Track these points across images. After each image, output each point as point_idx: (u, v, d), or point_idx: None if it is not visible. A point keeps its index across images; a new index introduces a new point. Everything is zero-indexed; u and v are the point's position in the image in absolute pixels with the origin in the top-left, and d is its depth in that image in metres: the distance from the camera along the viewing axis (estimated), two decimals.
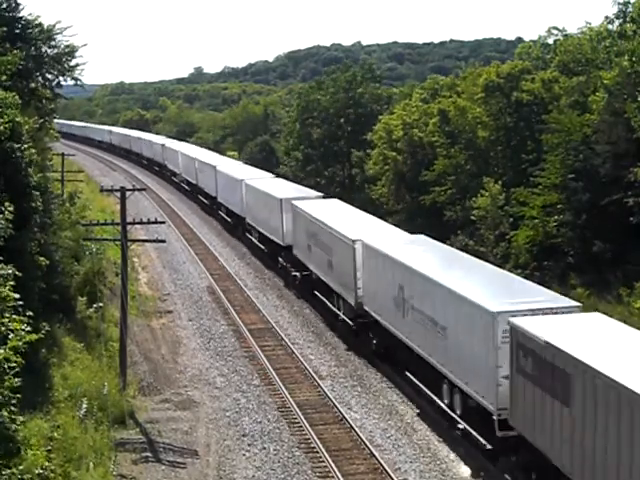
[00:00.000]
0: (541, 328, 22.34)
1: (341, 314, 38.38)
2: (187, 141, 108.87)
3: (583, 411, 20.05)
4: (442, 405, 28.26)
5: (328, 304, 40.20)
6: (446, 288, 27.38)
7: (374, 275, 34.19)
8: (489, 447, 25.14)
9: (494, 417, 24.31)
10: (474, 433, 25.90)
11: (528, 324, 22.90)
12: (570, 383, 20.43)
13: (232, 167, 67.46)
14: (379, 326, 33.85)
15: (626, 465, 18.43)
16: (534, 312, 23.95)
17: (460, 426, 27.07)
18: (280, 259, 49.01)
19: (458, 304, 26.47)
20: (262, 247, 53.54)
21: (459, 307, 26.43)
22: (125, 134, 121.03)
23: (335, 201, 48.21)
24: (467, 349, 25.98)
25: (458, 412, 27.25)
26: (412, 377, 30.73)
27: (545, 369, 21.61)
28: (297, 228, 45.74)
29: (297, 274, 45.25)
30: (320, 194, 50.88)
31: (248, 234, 57.49)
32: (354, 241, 36.15)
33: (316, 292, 42.36)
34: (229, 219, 63.51)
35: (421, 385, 29.95)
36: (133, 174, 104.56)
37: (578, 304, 25.47)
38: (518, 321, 23.24)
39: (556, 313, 24.02)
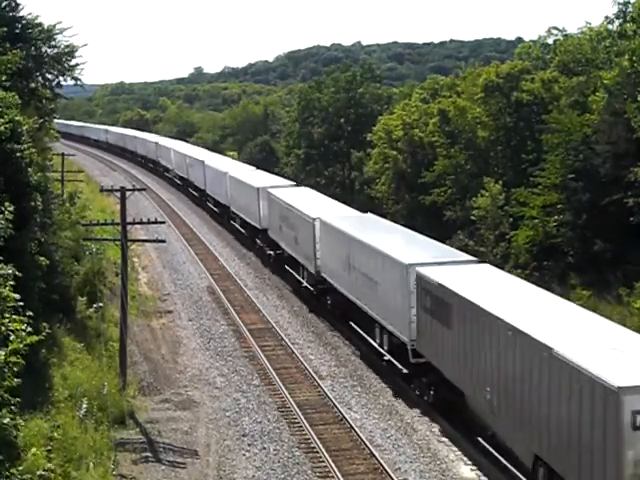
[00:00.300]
0: (437, 275, 28.88)
1: (304, 282, 44.82)
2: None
3: (458, 330, 26.90)
4: (374, 344, 35.09)
5: (295, 274, 46.73)
6: (376, 249, 34.32)
7: (329, 247, 40.82)
8: (405, 371, 31.70)
9: (408, 347, 30.86)
10: (395, 362, 32.37)
11: (429, 272, 29.35)
12: (451, 311, 27.19)
13: (218, 162, 72.94)
14: (333, 289, 40.36)
15: (486, 364, 24.94)
16: (436, 264, 30.40)
17: (385, 358, 33.72)
18: (258, 240, 55.30)
19: (384, 261, 33.21)
20: (243, 231, 59.80)
21: (385, 263, 33.12)
22: (120, 133, 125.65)
23: (304, 189, 54.48)
24: (391, 297, 32.61)
25: (386, 348, 33.64)
26: (354, 325, 38.04)
27: (437, 304, 28.36)
28: (271, 213, 51.58)
29: (271, 252, 51.94)
30: (293, 183, 57.60)
31: (232, 221, 63.18)
32: (314, 219, 42.50)
33: (286, 266, 48.44)
34: (216, 209, 69.08)
35: (360, 331, 37.24)
36: (133, 174, 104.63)
37: (473, 258, 32.72)
38: (422, 270, 29.75)
39: (453, 264, 30.48)
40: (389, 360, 33.15)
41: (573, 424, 19.99)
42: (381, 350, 34.06)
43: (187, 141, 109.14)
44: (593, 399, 19.19)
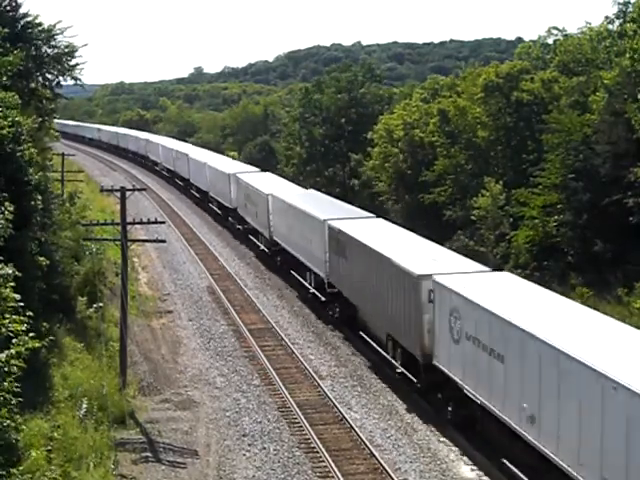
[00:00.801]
0: (339, 225, 39.40)
1: (262, 246, 55.16)
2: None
3: (351, 260, 37.27)
4: (305, 283, 45.34)
5: (255, 240, 57.35)
6: (305, 212, 44.84)
7: (279, 216, 50.78)
8: (323, 299, 41.88)
9: (325, 281, 41.46)
10: (317, 293, 42.91)
11: (335, 224, 40.01)
12: (346, 248, 37.78)
13: (200, 154, 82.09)
14: (282, 249, 49.94)
15: (363, 282, 35.91)
16: (340, 219, 40.85)
17: (311, 291, 43.98)
18: (230, 218, 65.23)
19: (312, 221, 43.36)
20: (219, 212, 69.45)
21: (312, 222, 43.34)
22: (112, 131, 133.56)
23: (267, 173, 64.71)
24: (314, 246, 42.90)
25: (312, 285, 44.07)
26: (294, 273, 47.43)
27: (338, 245, 38.88)
28: (239, 194, 61.55)
29: (240, 227, 61.85)
30: (257, 169, 67.55)
31: (210, 204, 72.83)
32: (267, 194, 52.71)
33: (250, 236, 58.78)
34: (198, 195, 78.67)
35: (295, 274, 47.26)
36: (133, 174, 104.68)
37: (369, 214, 43.13)
38: (332, 223, 40.42)
39: (351, 219, 40.97)
40: (314, 293, 43.52)
41: (400, 307, 31.40)
42: (309, 286, 44.70)
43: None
44: (407, 284, 30.43)
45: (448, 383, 27.70)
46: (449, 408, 28.38)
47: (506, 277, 29.66)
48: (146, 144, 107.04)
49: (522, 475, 23.14)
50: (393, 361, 32.79)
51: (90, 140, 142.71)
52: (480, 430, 26.48)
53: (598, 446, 19.42)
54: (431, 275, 28.85)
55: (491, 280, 28.53)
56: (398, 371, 32.19)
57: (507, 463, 23.97)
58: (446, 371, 27.85)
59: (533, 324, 22.80)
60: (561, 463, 20.82)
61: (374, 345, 35.28)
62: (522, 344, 22.77)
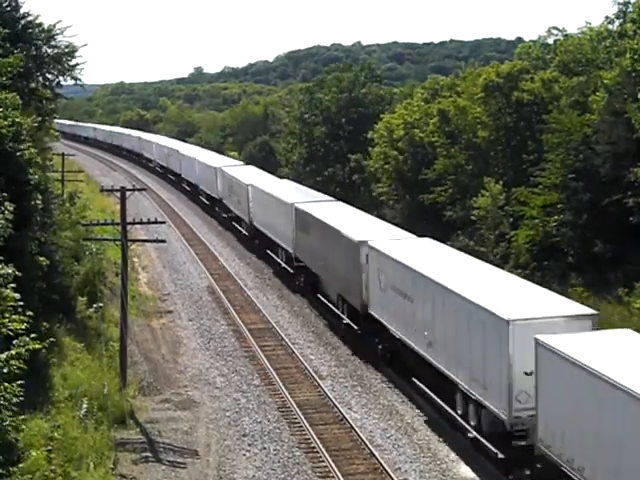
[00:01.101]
0: (305, 207, 45.66)
1: (244, 230, 61.19)
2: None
3: (312, 236, 43.71)
4: (278, 260, 51.61)
5: (238, 227, 63.06)
6: (277, 198, 51.45)
7: (257, 203, 57.15)
8: (291, 272, 48.22)
9: (292, 255, 47.67)
10: (287, 267, 49.44)
11: (301, 206, 46.23)
12: (309, 226, 44.22)
13: (190, 150, 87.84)
14: (260, 232, 56.03)
15: (321, 252, 42.35)
16: (306, 202, 47.23)
17: (282, 266, 50.74)
18: (217, 208, 71.13)
19: (285, 206, 48.98)
20: (207, 202, 75.27)
21: (283, 205, 49.40)
22: (107, 130, 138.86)
23: (249, 167, 70.92)
24: (284, 227, 49.10)
25: (284, 260, 50.13)
26: (270, 252, 53.76)
27: (303, 223, 45.28)
28: (224, 185, 67.42)
29: (225, 215, 67.89)
30: (241, 163, 75.84)
31: (200, 196, 78.39)
32: (247, 185, 59.00)
33: (234, 223, 64.56)
34: (189, 188, 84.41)
35: (270, 252, 53.70)
36: (133, 174, 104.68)
37: (330, 198, 50.28)
38: (298, 205, 46.71)
39: (315, 202, 47.31)
40: (284, 267, 49.97)
41: (346, 270, 37.89)
42: (280, 261, 51.17)
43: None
44: (351, 250, 37.09)
45: (380, 327, 34.40)
46: (379, 347, 34.89)
47: (427, 242, 36.09)
48: (139, 142, 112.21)
49: (426, 389, 30.22)
50: (341, 315, 39.29)
51: (86, 139, 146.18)
52: (401, 360, 33.23)
53: (468, 355, 26.44)
54: (367, 241, 35.95)
55: (413, 244, 35.63)
56: (344, 322, 38.77)
57: (416, 381, 31.09)
58: (377, 317, 34.61)
59: (433, 272, 29.67)
60: (447, 372, 28.12)
61: (329, 304, 41.52)
62: (424, 287, 29.71)
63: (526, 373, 23.18)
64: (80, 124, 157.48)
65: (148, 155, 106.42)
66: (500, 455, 24.71)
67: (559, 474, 21.18)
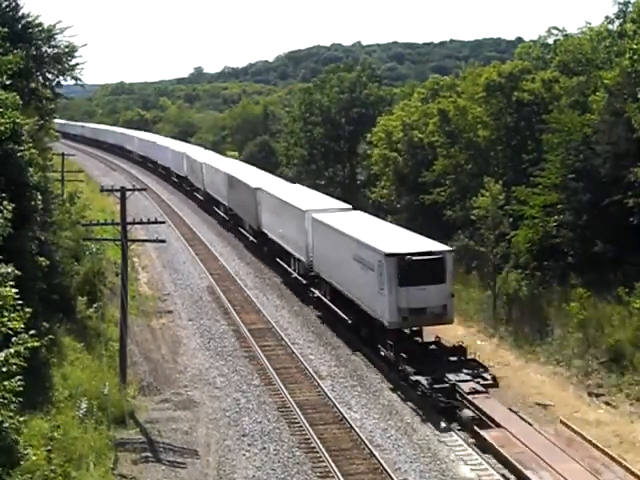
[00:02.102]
0: (266, 187, 55.27)
1: (222, 213, 69.95)
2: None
3: (263, 208, 54.60)
4: (247, 234, 60.19)
5: (218, 211, 71.65)
6: (245, 183, 59.69)
7: (209, 176, 72.71)
8: (253, 239, 58.30)
9: (256, 229, 56.81)
10: (253, 239, 58.43)
11: (263, 187, 55.32)
12: (255, 196, 55.22)
13: (164, 141, 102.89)
14: (235, 214, 64.54)
15: (286, 225, 49.32)
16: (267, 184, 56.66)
17: (250, 240, 59.15)
18: (183, 184, 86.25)
19: (253, 190, 56.43)
20: (176, 180, 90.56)
21: (253, 191, 56.55)
22: (93, 127, 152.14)
23: (208, 151, 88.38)
24: (250, 206, 57.61)
25: (252, 234, 58.40)
26: (241, 229, 61.95)
27: (267, 203, 54.06)
28: (188, 166, 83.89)
29: (188, 188, 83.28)
30: (202, 149, 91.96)
31: (172, 177, 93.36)
32: (201, 163, 75.95)
33: (214, 207, 73.18)
34: (164, 171, 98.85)
35: (242, 230, 61.77)
36: (133, 174, 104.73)
37: (288, 184, 59.85)
38: (260, 186, 55.47)
39: (336, 212, 46.69)
40: (252, 241, 58.32)
41: (297, 235, 46.31)
42: (249, 236, 59.24)
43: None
44: (299, 218, 46.18)
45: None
46: (314, 291, 44.29)
47: (357, 213, 45.08)
48: (122, 137, 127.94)
49: (282, 262, 50.52)
50: (293, 272, 48.08)
51: (74, 136, 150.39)
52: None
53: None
54: (310, 210, 45.00)
55: (344, 214, 44.04)
56: (293, 276, 48.22)
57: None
58: (316, 270, 43.76)
59: (344, 228, 39.72)
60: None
61: (284, 265, 50.46)
62: (336, 238, 40.00)
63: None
64: (70, 123, 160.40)
65: (129, 147, 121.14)
66: (304, 281, 45.95)
67: (325, 283, 42.44)
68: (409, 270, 32.98)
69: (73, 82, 44.70)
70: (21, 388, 18.17)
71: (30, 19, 42.32)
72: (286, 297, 47.51)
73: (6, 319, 18.50)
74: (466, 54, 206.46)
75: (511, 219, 45.11)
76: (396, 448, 28.11)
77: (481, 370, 31.95)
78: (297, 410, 31.10)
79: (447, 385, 30.55)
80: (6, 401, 17.71)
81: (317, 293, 43.48)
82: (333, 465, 26.60)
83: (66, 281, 37.04)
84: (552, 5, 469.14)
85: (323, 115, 76.14)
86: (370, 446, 27.83)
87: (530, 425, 28.51)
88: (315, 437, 28.68)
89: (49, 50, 42.83)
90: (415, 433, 29.28)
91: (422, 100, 63.07)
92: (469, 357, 32.98)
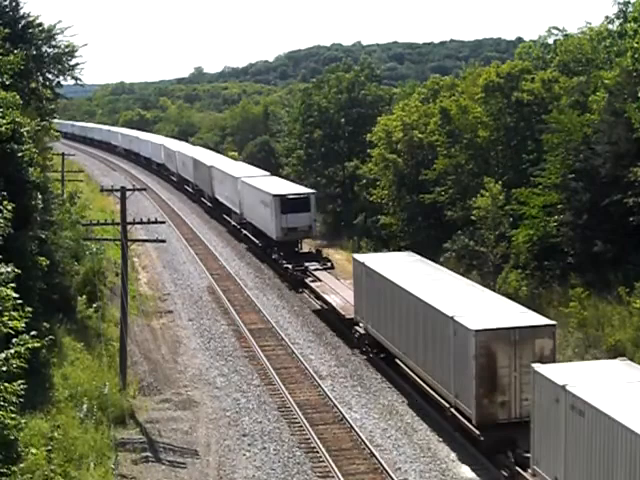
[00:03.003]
0: (248, 180, 60.06)
1: (190, 189, 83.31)
2: (187, 141, 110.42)
3: (247, 202, 59.71)
4: (232, 221, 64.15)
5: (188, 188, 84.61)
6: (226, 173, 65.53)
7: (183, 163, 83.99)
8: (239, 226, 62.10)
9: (238, 213, 61.64)
10: (235, 224, 63.20)
11: (244, 179, 60.16)
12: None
13: (145, 136, 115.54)
14: (199, 188, 77.02)
15: (257, 208, 56.00)
16: (250, 177, 60.87)
17: (232, 224, 64.46)
18: (161, 170, 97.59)
19: (232, 179, 62.64)
20: (156, 167, 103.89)
21: (234, 180, 61.86)
22: (82, 125, 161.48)
23: (182, 142, 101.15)
24: (232, 193, 62.67)
25: (234, 220, 63.59)
26: (226, 217, 67.14)
27: (250, 194, 58.42)
28: (166, 154, 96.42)
29: (166, 173, 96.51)
30: (177, 140, 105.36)
31: (152, 165, 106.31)
32: (175, 151, 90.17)
33: (185, 186, 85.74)
34: (145, 161, 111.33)
35: (228, 218, 66.19)
36: (133, 174, 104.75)
37: (266, 173, 65.33)
38: (243, 179, 60.03)
39: (256, 177, 60.94)
40: (209, 206, 68.95)
41: (264, 214, 53.01)
42: (208, 202, 70.86)
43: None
44: (267, 201, 52.89)
45: (246, 222, 60.72)
46: (243, 231, 59.36)
47: (270, 177, 57.68)
48: (108, 133, 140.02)
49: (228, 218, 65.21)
50: (232, 222, 63.37)
51: (65, 134, 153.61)
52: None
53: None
54: (240, 177, 59.81)
55: (262, 178, 58.36)
56: (232, 224, 63.02)
57: (226, 217, 64.49)
58: (244, 217, 56.75)
59: (258, 185, 56.43)
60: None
61: (228, 219, 64.96)
62: (253, 193, 54.15)
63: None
64: (61, 122, 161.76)
65: (115, 143, 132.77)
66: (239, 226, 60.91)
67: (249, 224, 58.83)
68: (287, 204, 51.47)
69: (73, 82, 44.73)
70: (22, 391, 18.17)
71: (30, 19, 42.38)
72: (286, 297, 47.50)
73: (7, 319, 18.49)
74: (466, 54, 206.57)
75: (511, 219, 45.12)
76: (396, 448, 28.11)
77: (327, 261, 50.13)
78: (297, 410, 31.10)
79: (302, 267, 48.68)
80: (7, 403, 17.72)
81: (245, 232, 60.33)
82: (333, 465, 26.61)
83: (66, 281, 37.05)
84: (552, 5, 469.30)
85: (322, 116, 76.08)
86: (370, 446, 27.83)
87: (338, 279, 45.99)
88: (315, 437, 28.68)
89: (49, 50, 42.88)
90: (415, 433, 29.27)
91: (422, 100, 63.03)
92: (323, 256, 51.74)
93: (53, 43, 42.77)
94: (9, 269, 20.20)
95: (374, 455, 27.25)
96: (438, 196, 52.87)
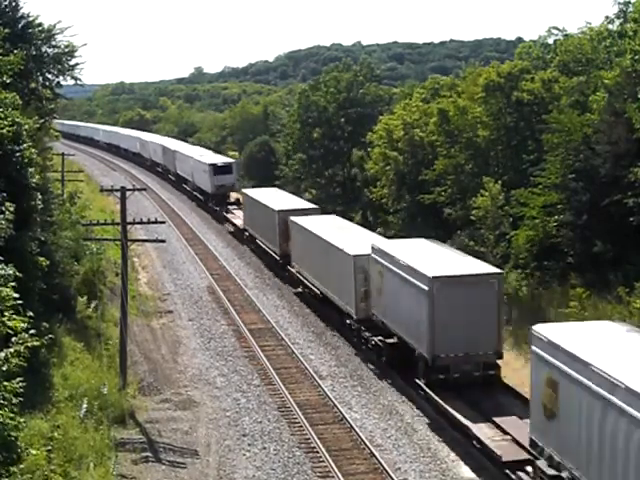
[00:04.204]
0: (171, 145, 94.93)
1: (160, 169, 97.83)
2: (187, 141, 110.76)
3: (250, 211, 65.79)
4: (217, 210, 72.54)
5: (158, 169, 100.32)
6: (161, 144, 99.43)
7: (166, 154, 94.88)
8: (174, 179, 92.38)
9: (163, 169, 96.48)
10: (217, 208, 74.95)
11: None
12: (173, 155, 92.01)
13: (125, 131, 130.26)
14: (168, 168, 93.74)
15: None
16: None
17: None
18: (171, 177, 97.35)
19: (207, 166, 74.90)
20: (134, 156, 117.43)
21: (167, 149, 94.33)
22: (71, 124, 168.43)
23: (164, 137, 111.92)
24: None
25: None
26: (169, 176, 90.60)
27: (167, 155, 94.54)
28: (152, 149, 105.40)
29: (148, 163, 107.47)
30: (159, 136, 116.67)
31: (133, 155, 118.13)
32: (159, 144, 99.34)
33: (157, 169, 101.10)
34: (125, 152, 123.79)
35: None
36: (133, 174, 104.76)
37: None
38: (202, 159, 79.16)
39: (204, 155, 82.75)
40: (172, 180, 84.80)
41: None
42: (172, 177, 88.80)
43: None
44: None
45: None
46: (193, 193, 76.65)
47: (215, 155, 71.42)
48: (91, 130, 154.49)
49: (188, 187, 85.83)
50: (188, 187, 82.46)
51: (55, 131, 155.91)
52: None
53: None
54: (196, 157, 79.05)
55: (206, 156, 72.93)
56: (189, 189, 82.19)
57: (185, 186, 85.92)
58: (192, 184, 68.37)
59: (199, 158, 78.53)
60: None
61: (188, 188, 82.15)
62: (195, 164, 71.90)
63: None
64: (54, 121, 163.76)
65: (97, 138, 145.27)
66: (200, 196, 79.22)
67: (197, 188, 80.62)
68: (217, 170, 73.24)
69: (73, 82, 44.70)
70: (22, 390, 18.17)
71: (30, 19, 42.33)
72: (286, 297, 47.49)
73: (6, 319, 18.48)
74: (466, 54, 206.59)
75: (511, 219, 45.13)
76: (396, 448, 28.11)
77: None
78: (297, 410, 31.10)
79: (225, 209, 69.46)
80: (6, 402, 17.71)
81: (195, 193, 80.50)
82: (333, 465, 26.61)
83: (66, 281, 37.05)
84: (552, 5, 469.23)
85: (321, 116, 76.07)
86: (370, 446, 27.83)
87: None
88: (315, 437, 28.68)
89: (49, 50, 42.84)
90: (415, 433, 29.28)
91: (422, 100, 63.05)
92: (241, 203, 65.93)
93: (53, 43, 42.73)
94: (10, 271, 20.19)
95: (374, 455, 27.25)
96: (438, 196, 52.87)
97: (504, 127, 51.68)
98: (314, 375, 34.77)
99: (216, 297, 47.79)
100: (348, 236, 41.76)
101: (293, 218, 48.37)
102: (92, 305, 37.84)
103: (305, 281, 45.61)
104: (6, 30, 36.07)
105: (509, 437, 25.90)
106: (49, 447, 22.86)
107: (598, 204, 39.56)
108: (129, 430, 29.18)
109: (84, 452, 24.66)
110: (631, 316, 34.91)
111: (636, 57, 39.78)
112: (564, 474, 21.12)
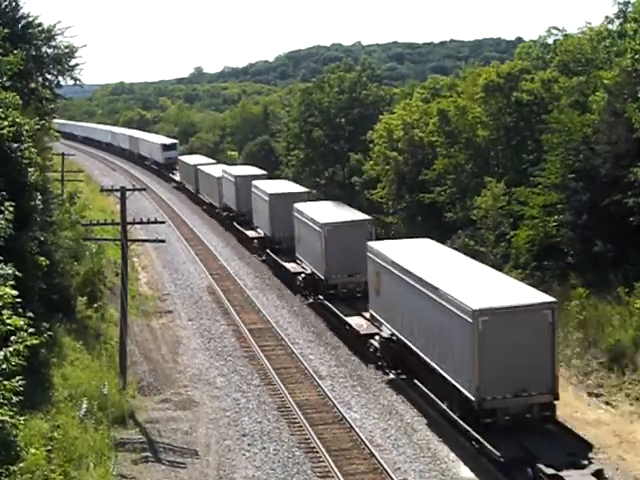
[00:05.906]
0: (138, 135, 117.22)
1: (147, 163, 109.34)
2: (186, 141, 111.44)
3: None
4: (136, 157, 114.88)
5: (142, 160, 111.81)
6: (129, 135, 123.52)
7: (133, 142, 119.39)
8: (137, 159, 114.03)
9: (217, 207, 72.38)
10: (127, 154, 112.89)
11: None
12: (137, 143, 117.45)
13: (114, 129, 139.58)
14: (138, 153, 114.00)
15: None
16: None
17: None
18: (128, 154, 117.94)
19: (132, 136, 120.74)
20: (122, 150, 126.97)
21: (133, 138, 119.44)
22: (62, 122, 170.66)
23: (146, 133, 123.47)
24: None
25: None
26: (143, 160, 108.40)
27: (134, 142, 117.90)
28: (133, 144, 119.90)
29: (133, 156, 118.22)
30: (140, 131, 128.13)
31: (122, 149, 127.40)
32: (142, 139, 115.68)
33: (143, 160, 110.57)
34: (105, 145, 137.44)
35: (127, 155, 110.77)
36: (133, 174, 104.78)
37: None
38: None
39: (157, 139, 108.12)
40: (149, 165, 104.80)
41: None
42: (147, 163, 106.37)
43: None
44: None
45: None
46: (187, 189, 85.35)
47: (197, 157, 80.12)
48: (72, 126, 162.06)
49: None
50: (154, 166, 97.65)
51: None
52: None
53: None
54: (162, 143, 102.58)
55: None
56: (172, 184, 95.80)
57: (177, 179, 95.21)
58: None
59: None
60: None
61: (154, 167, 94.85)
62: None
63: None
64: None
65: (75, 133, 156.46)
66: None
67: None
68: (166, 148, 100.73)
69: (73, 82, 44.72)
70: (21, 388, 18.17)
71: (30, 19, 42.37)
72: (286, 297, 47.49)
73: (6, 317, 18.48)
74: (466, 54, 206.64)
75: (511, 219, 45.12)
76: (396, 448, 28.11)
77: None
78: (297, 410, 31.10)
79: (172, 173, 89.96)
80: (6, 401, 17.71)
81: (152, 166, 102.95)
82: (333, 465, 26.61)
83: (66, 281, 37.04)
84: (552, 5, 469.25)
85: (322, 115, 75.99)
86: (370, 446, 27.83)
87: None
88: (315, 437, 28.68)
89: (49, 51, 42.87)
90: (415, 433, 29.28)
91: (422, 100, 63.04)
92: None
93: (53, 43, 42.78)
94: (9, 271, 20.19)
95: (374, 455, 27.25)
96: (438, 196, 52.87)
97: (504, 127, 51.67)
98: (314, 375, 34.77)
99: (216, 297, 47.79)
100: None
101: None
102: (94, 306, 37.82)
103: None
104: (6, 30, 36.09)
105: (369, 322, 37.56)
106: (49, 447, 22.86)
107: (598, 204, 39.56)
108: (129, 430, 29.18)
109: (84, 452, 24.65)
110: (631, 316, 34.93)
111: (636, 57, 39.76)
112: (385, 331, 34.18)
